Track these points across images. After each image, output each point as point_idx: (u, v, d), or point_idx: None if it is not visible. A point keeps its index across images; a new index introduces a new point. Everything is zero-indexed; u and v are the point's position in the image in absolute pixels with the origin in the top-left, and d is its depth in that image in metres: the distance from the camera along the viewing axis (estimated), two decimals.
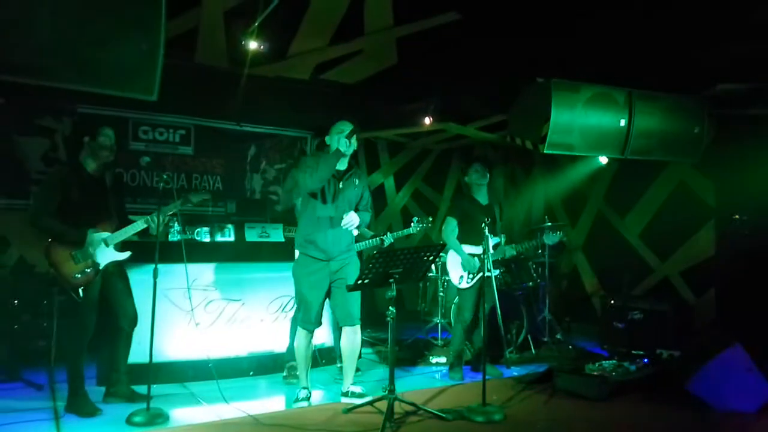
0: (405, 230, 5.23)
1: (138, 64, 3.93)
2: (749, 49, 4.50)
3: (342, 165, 4.11)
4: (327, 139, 4.12)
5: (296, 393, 4.13)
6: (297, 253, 4.19)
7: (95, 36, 3.91)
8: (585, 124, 4.92)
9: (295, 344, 4.22)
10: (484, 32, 5.01)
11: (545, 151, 4.88)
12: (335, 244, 4.04)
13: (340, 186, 4.07)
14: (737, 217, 5.44)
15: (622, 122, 5.02)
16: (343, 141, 3.98)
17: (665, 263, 6.31)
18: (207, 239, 4.98)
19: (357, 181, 4.16)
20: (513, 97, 5.32)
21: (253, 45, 4.82)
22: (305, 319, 4.08)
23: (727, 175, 5.66)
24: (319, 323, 4.12)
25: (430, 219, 5.37)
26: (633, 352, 5.52)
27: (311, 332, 4.11)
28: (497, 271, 5.06)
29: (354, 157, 4.24)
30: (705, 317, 5.76)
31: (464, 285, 4.94)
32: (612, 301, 6.00)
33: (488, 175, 5.02)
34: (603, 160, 6.49)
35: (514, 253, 5.13)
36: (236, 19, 4.76)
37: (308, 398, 4.11)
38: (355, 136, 4.00)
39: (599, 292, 6.80)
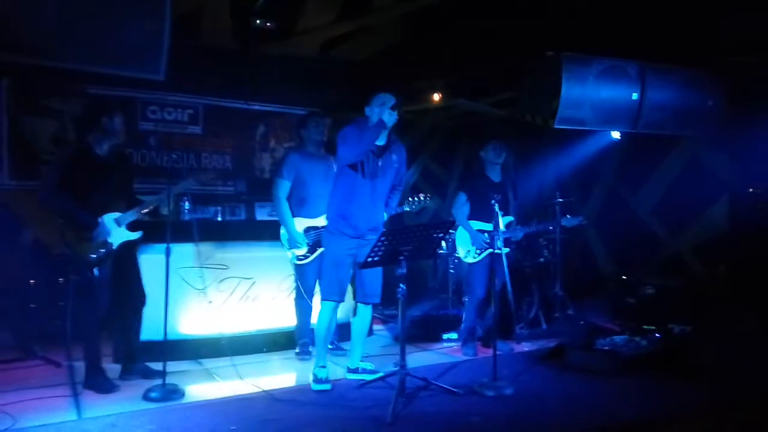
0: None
1: (144, 43, 3.93)
2: (765, 20, 4.38)
3: (381, 140, 3.98)
4: (367, 110, 3.97)
5: (314, 373, 3.97)
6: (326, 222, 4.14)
7: (102, 16, 3.90)
8: (596, 98, 4.82)
9: (315, 321, 4.11)
10: (494, 6, 4.92)
11: (556, 126, 4.80)
12: (367, 222, 3.98)
13: (380, 164, 3.96)
14: (752, 190, 5.36)
15: (635, 96, 4.93)
16: (386, 112, 3.82)
17: (678, 239, 6.26)
18: (218, 218, 5.02)
19: (395, 157, 4.04)
20: (523, 73, 5.24)
21: (259, 23, 4.78)
22: (328, 291, 4.05)
23: (742, 149, 5.56)
24: (342, 298, 4.07)
25: (423, 196, 5.32)
26: (644, 327, 5.52)
27: (335, 305, 4.04)
28: (507, 250, 5.05)
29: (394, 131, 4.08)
30: (717, 293, 5.72)
31: (470, 260, 4.96)
32: (624, 277, 5.99)
33: (504, 154, 5.00)
34: (615, 135, 6.40)
35: (521, 236, 5.12)
36: None
37: (327, 379, 3.95)
38: (396, 108, 3.86)
39: (611, 267, 6.77)
